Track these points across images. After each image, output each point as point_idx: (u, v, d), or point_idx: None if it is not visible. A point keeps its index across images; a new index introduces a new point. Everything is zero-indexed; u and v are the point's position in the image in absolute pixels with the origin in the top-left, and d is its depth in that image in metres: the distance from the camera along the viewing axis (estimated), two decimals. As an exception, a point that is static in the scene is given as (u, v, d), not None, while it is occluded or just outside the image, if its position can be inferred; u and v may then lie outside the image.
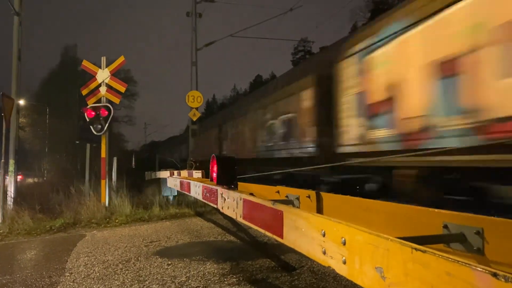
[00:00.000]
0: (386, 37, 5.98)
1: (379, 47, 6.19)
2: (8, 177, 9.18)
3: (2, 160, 8.50)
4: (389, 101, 5.85)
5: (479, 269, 0.95)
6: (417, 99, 5.18)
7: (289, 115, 9.63)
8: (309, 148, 8.54)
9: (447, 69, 4.59)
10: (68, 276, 4.51)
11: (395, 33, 5.76)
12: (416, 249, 1.16)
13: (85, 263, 5.09)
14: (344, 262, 1.54)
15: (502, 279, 0.88)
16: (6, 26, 10.28)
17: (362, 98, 6.67)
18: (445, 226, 1.82)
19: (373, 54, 6.37)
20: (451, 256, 1.03)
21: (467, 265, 0.98)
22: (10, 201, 8.96)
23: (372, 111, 6.34)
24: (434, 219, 1.88)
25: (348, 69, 7.14)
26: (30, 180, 22.51)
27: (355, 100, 6.88)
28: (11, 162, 9.40)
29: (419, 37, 5.19)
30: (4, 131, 8.45)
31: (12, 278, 4.54)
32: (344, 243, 1.55)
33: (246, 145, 12.98)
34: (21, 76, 10.05)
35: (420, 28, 5.17)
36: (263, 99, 12.05)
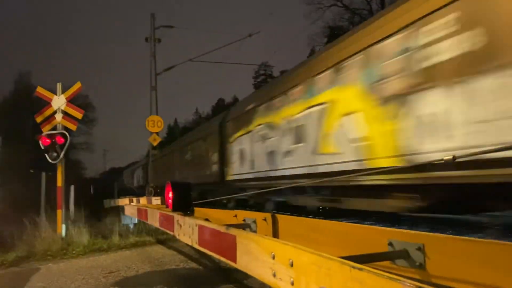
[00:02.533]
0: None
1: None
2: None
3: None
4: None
5: (407, 283, 1.00)
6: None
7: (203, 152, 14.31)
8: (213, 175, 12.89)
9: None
10: (19, 313, 4.29)
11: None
12: (353, 267, 1.20)
13: (38, 298, 4.85)
14: (292, 283, 1.57)
15: (426, 292, 0.94)
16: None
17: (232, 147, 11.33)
18: (390, 244, 1.90)
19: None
20: (383, 273, 1.08)
21: (397, 281, 1.03)
22: (-44, 236, 8.45)
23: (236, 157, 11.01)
24: (380, 236, 1.95)
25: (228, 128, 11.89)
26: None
27: (231, 148, 11.41)
28: (-42, 194, 8.91)
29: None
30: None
31: (-43, 319, 4.27)
32: (292, 265, 1.58)
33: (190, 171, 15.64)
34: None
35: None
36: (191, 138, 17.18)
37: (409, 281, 1.00)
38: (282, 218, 2.89)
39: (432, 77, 4.17)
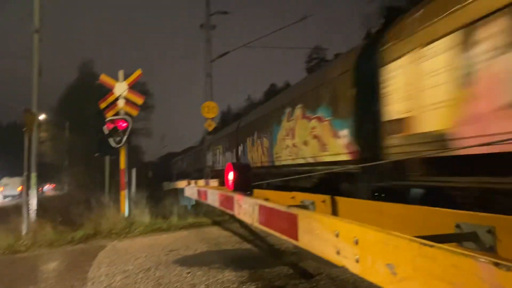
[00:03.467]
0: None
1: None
2: (30, 190, 9.42)
3: (25, 174, 8.73)
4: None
5: (482, 259, 0.99)
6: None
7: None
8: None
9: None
10: (90, 285, 4.62)
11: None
12: (424, 244, 1.20)
13: (106, 273, 5.19)
14: (357, 261, 1.59)
15: (504, 268, 0.92)
16: (28, 42, 10.55)
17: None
18: (458, 226, 1.85)
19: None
20: (455, 249, 1.07)
21: (470, 256, 1.02)
22: (32, 213, 9.17)
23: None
24: (447, 219, 1.91)
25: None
26: (52, 193, 23.00)
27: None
28: (33, 175, 9.63)
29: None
30: (26, 146, 8.68)
31: None
32: (357, 243, 1.60)
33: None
34: (41, 91, 10.34)
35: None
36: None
37: (484, 256, 0.99)
38: (341, 200, 2.90)
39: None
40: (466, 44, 3.18)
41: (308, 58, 60.90)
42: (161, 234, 8.33)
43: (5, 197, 29.54)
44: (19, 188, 23.94)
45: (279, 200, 3.93)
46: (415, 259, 1.23)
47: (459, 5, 3.24)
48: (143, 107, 41.94)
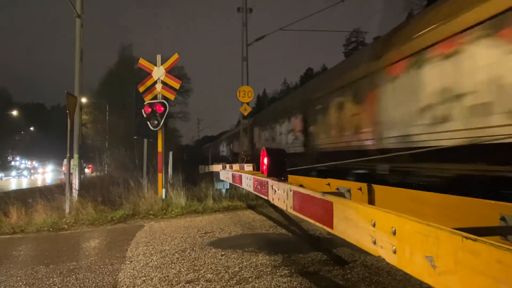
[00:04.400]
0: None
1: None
2: (73, 171, 9.81)
3: (68, 155, 9.09)
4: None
5: (531, 257, 0.93)
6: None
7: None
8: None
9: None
10: (128, 264, 4.79)
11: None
12: (466, 237, 1.15)
13: (144, 252, 5.36)
14: (394, 252, 1.55)
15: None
16: (71, 28, 10.86)
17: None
18: (503, 219, 1.77)
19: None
20: (502, 244, 1.02)
21: (519, 253, 0.97)
22: (75, 193, 9.57)
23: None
24: (491, 211, 1.82)
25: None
26: (92, 173, 23.96)
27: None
28: (76, 156, 10.03)
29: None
30: (68, 128, 9.01)
31: (78, 264, 4.89)
32: (394, 233, 1.55)
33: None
34: (83, 75, 10.66)
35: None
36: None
37: (535, 254, 0.93)
38: (378, 188, 2.83)
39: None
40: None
41: (347, 41, 59.47)
42: (197, 216, 8.50)
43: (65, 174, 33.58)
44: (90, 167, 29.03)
45: (314, 187, 3.90)
46: (457, 252, 1.18)
47: None
48: (180, 91, 42.64)
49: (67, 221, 7.93)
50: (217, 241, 5.93)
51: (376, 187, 2.86)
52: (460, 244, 1.18)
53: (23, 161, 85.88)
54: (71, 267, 4.73)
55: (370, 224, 1.74)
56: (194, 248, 5.48)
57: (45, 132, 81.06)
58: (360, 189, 3.00)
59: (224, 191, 10.90)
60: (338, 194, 3.18)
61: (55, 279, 4.29)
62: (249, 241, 5.82)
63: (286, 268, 4.30)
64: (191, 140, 71.48)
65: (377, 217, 1.69)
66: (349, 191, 3.19)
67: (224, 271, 4.29)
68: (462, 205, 1.97)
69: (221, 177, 9.04)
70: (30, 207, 8.69)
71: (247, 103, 15.89)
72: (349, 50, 56.52)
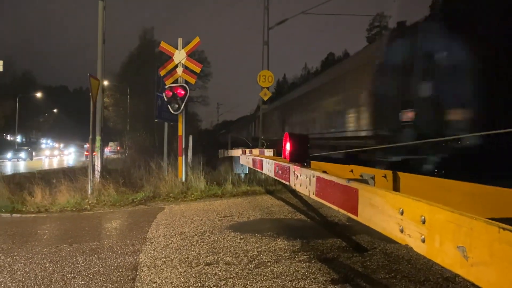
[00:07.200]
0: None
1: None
2: (95, 153, 9.97)
3: (90, 137, 9.23)
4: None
5: None
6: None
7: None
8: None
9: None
10: (149, 245, 4.86)
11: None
12: (504, 228, 1.10)
13: (164, 234, 5.43)
14: (423, 241, 1.51)
15: None
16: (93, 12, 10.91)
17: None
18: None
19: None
20: (545, 237, 0.97)
21: None
22: (97, 175, 9.74)
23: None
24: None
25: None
26: (114, 156, 24.39)
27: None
28: (98, 138, 10.17)
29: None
30: (91, 110, 9.12)
31: (101, 244, 4.99)
32: (424, 222, 1.51)
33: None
34: (105, 58, 10.74)
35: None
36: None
37: None
38: (404, 176, 2.77)
39: None
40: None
41: (369, 26, 58.06)
42: (216, 200, 8.55)
43: (109, 153, 39.70)
44: (118, 148, 36.99)
45: (337, 173, 3.85)
46: (493, 243, 1.13)
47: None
48: (200, 76, 42.71)
49: (89, 201, 8.10)
50: (236, 225, 5.96)
51: (401, 174, 2.80)
52: (497, 235, 1.13)
53: (48, 142, 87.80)
54: (94, 247, 4.83)
55: (397, 212, 1.69)
56: (213, 231, 5.52)
57: (68, 115, 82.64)
58: (385, 176, 2.94)
59: (243, 175, 10.92)
60: (362, 181, 3.13)
61: (78, 257, 4.39)
62: (267, 226, 5.82)
63: (305, 254, 4.29)
64: (211, 124, 71.80)
65: (405, 205, 1.65)
66: (373, 178, 3.13)
67: (243, 255, 4.31)
68: (495, 194, 1.90)
69: (241, 162, 9.05)
70: (54, 187, 8.90)
71: (267, 88, 15.79)
72: (372, 35, 55.22)
